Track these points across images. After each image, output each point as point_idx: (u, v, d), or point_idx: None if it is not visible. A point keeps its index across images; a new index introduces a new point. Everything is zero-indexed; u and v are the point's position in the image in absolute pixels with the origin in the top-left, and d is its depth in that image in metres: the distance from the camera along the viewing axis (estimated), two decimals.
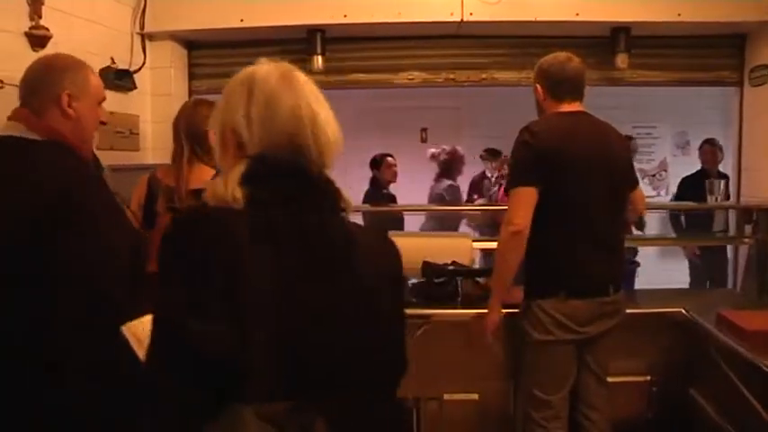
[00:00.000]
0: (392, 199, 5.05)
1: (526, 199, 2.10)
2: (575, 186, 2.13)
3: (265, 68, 1.05)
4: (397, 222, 4.65)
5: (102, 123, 1.79)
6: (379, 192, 5.01)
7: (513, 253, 2.15)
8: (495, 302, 2.28)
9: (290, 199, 0.98)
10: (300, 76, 1.06)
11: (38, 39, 2.65)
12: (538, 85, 2.27)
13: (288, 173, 1.00)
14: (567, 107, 2.23)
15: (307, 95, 1.04)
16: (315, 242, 0.98)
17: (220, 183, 0.99)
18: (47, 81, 1.60)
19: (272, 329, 0.92)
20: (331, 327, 0.98)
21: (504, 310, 2.35)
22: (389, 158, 5.14)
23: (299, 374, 0.94)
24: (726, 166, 4.49)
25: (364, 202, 4.86)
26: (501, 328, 2.33)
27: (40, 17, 2.65)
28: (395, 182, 5.15)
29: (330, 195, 1.04)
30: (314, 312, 0.96)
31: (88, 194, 1.52)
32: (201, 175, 2.15)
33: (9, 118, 1.59)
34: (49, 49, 2.70)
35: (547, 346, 2.17)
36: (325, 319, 0.97)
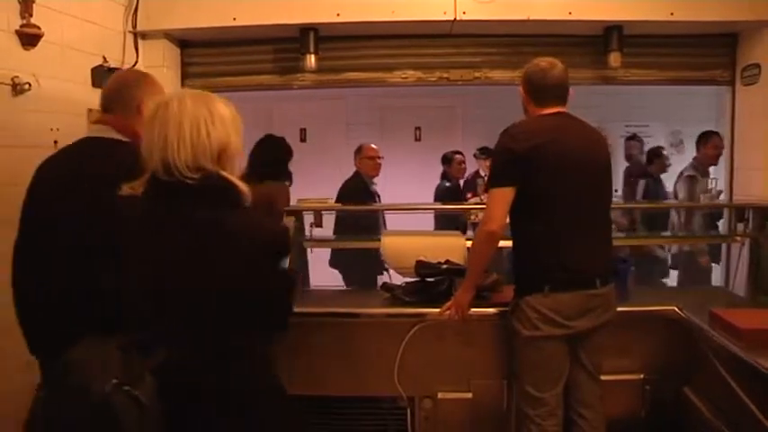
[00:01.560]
0: (460, 191, 5.47)
1: (502, 200, 2.17)
2: (557, 184, 2.15)
3: (155, 101, 1.44)
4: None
5: None
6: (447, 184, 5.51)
7: (487, 250, 2.30)
8: (467, 285, 2.38)
9: (163, 195, 1.40)
10: (174, 105, 1.39)
11: (29, 37, 2.63)
12: (521, 89, 2.33)
13: (163, 179, 1.38)
14: (548, 110, 2.27)
15: (172, 121, 1.38)
16: (186, 224, 1.38)
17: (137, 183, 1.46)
18: (127, 93, 1.87)
19: (143, 279, 1.42)
20: (189, 282, 1.38)
21: (495, 309, 2.45)
22: (458, 156, 5.54)
23: (160, 313, 1.41)
24: (719, 165, 4.48)
25: (436, 193, 5.36)
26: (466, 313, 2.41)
27: (31, 15, 2.62)
28: (462, 177, 5.56)
29: (213, 192, 1.39)
30: (176, 271, 1.38)
31: None
32: None
33: (96, 122, 1.90)
34: (41, 48, 2.69)
35: (535, 342, 2.18)
36: (184, 277, 1.38)
